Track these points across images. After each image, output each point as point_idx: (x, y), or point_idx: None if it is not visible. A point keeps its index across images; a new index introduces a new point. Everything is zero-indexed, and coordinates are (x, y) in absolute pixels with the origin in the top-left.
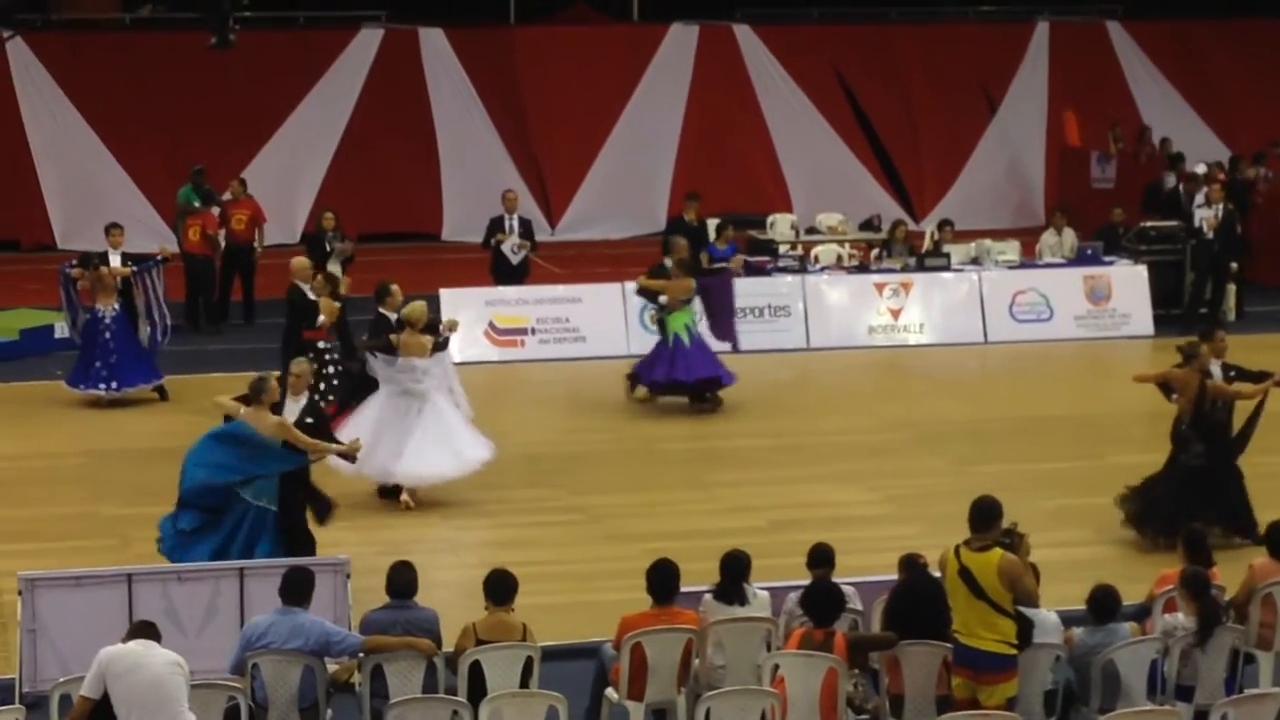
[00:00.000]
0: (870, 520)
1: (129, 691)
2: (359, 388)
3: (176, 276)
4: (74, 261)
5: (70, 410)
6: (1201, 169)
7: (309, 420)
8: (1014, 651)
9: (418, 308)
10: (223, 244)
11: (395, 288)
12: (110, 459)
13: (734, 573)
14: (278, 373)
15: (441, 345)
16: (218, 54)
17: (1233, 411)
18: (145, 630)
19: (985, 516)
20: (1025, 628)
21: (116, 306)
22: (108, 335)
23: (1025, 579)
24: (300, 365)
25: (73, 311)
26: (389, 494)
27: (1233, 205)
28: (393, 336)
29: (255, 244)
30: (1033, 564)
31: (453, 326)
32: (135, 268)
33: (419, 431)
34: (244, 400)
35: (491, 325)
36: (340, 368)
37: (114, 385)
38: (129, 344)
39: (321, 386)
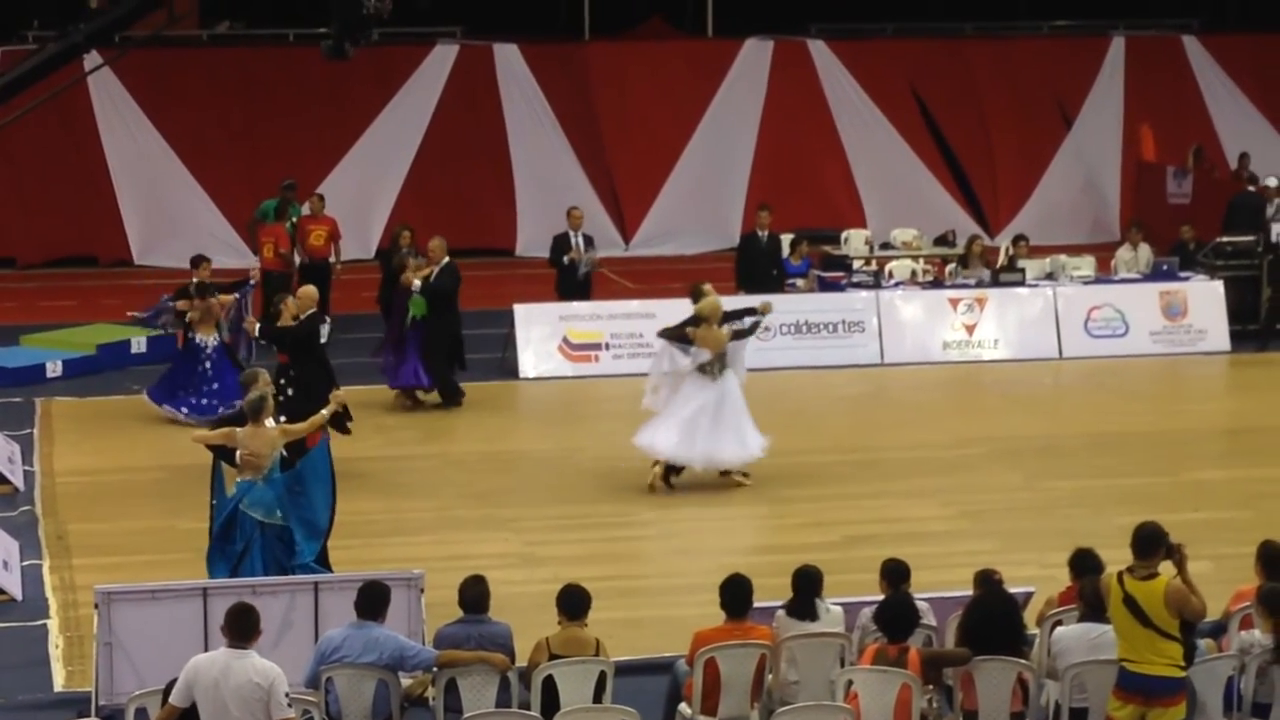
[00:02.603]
0: (945, 536)
1: (211, 705)
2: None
3: (254, 293)
4: (172, 296)
5: (146, 425)
6: (1273, 182)
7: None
8: (1184, 674)
9: (710, 303)
10: (298, 260)
11: (708, 287)
12: (186, 473)
13: (806, 588)
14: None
15: (748, 331)
16: (293, 71)
17: None
18: (239, 631)
19: (1150, 543)
20: (1190, 649)
21: (218, 336)
22: (208, 365)
23: (1192, 601)
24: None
25: (151, 323)
26: (673, 473)
27: None
28: (689, 330)
29: (332, 260)
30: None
31: (767, 309)
32: (238, 295)
33: (708, 416)
34: (234, 421)
35: (566, 340)
36: (292, 391)
37: (197, 414)
38: (229, 375)
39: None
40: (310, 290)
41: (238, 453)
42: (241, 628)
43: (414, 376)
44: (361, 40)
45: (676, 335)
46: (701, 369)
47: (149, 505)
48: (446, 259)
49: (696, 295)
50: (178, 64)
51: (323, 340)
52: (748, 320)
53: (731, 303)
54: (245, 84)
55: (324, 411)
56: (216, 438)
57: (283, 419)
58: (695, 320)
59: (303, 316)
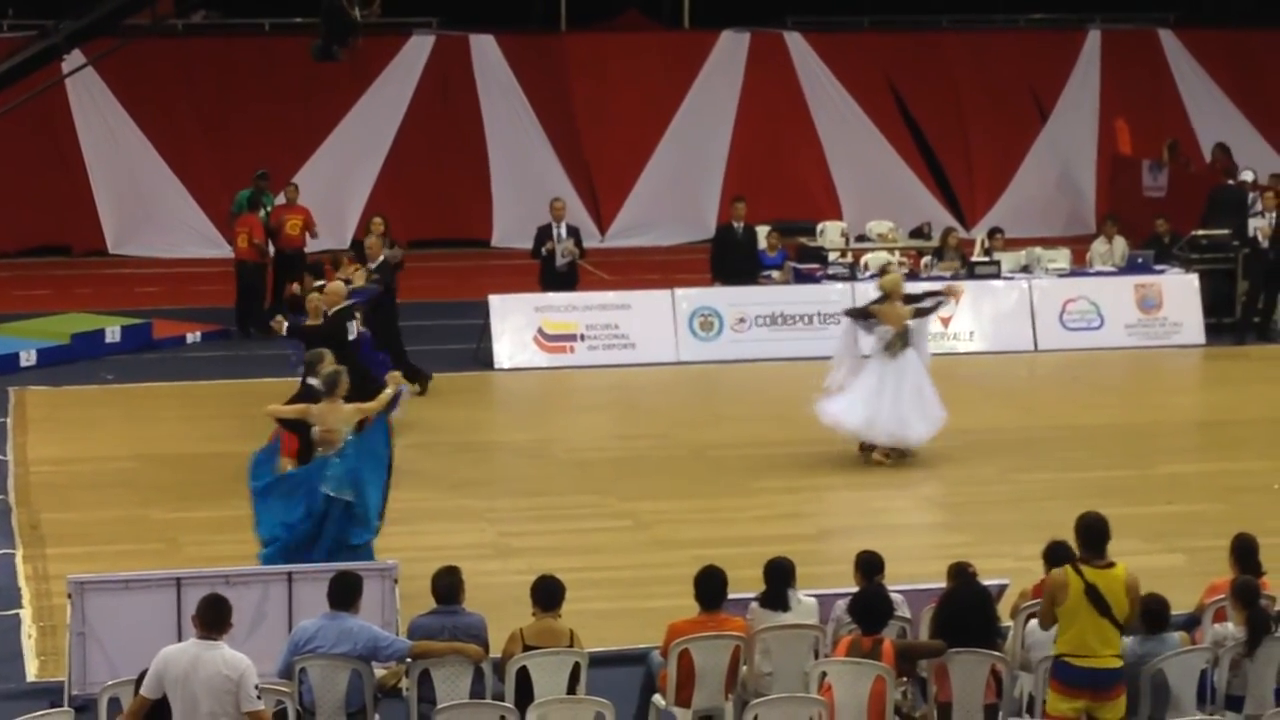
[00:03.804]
0: (920, 528)
1: (182, 697)
2: None
3: (228, 282)
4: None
5: (120, 414)
6: (1249, 175)
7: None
8: (1123, 665)
9: (893, 279)
10: (272, 250)
11: (891, 265)
12: (159, 463)
13: (778, 579)
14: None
15: (930, 309)
16: (269, 60)
17: None
18: (210, 622)
19: (1100, 535)
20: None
21: None
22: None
23: (1139, 596)
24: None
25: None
26: (868, 450)
27: None
28: (873, 306)
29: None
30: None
31: (952, 291)
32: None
33: (890, 393)
34: (308, 398)
35: (541, 331)
36: None
37: None
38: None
39: None
40: (338, 286)
41: (314, 429)
42: (213, 619)
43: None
44: (349, 42)
45: (861, 313)
46: (885, 347)
47: (123, 495)
48: (382, 257)
49: (881, 273)
50: (153, 53)
51: (351, 336)
52: (930, 300)
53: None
54: (221, 73)
55: (389, 391)
56: (292, 412)
57: None
58: (880, 298)
59: (330, 313)
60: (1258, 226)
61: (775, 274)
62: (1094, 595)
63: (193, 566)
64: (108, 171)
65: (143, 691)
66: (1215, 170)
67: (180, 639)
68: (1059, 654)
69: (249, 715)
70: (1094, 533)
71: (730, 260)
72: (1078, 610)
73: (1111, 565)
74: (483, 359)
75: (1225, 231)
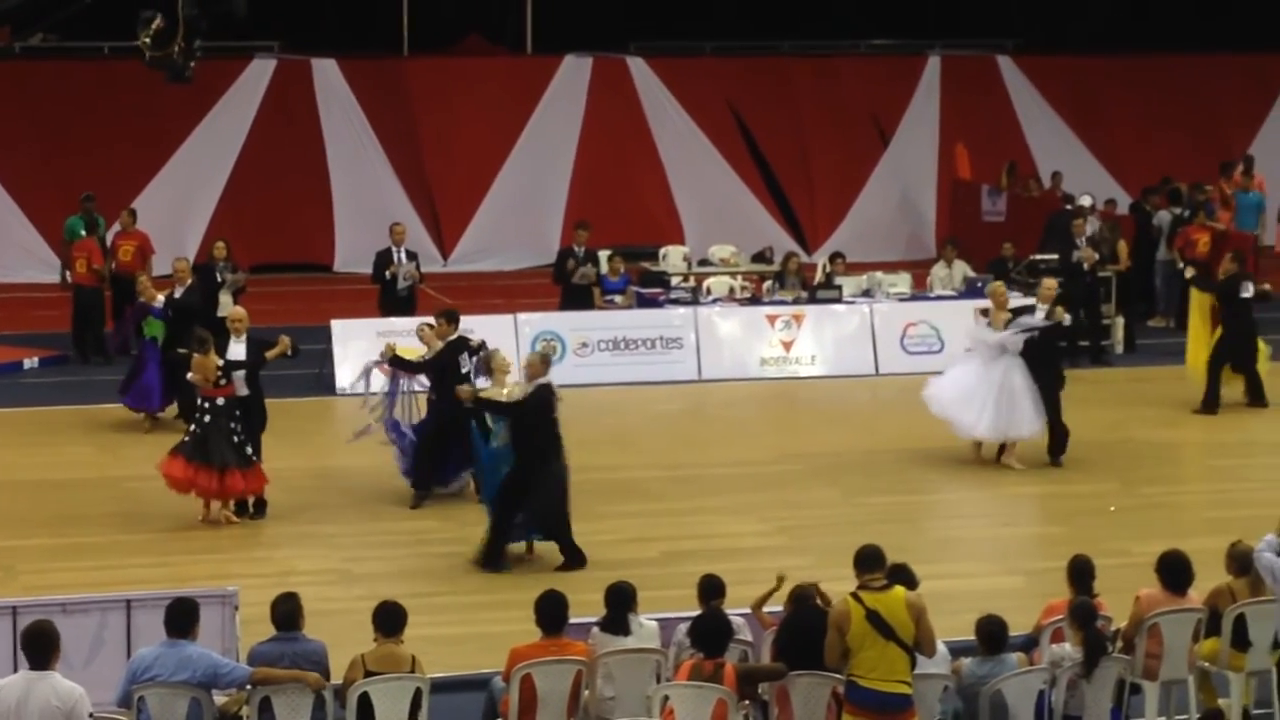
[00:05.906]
0: (762, 551)
1: None
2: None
3: (64, 307)
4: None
5: None
6: (1087, 200)
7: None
8: (912, 690)
9: (994, 288)
10: (108, 275)
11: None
12: None
13: (619, 604)
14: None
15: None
16: (109, 83)
17: None
18: (36, 652)
19: (876, 558)
20: (913, 662)
21: None
22: None
23: (927, 617)
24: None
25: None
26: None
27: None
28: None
29: (143, 275)
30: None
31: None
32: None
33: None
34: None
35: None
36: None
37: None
38: None
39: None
40: (240, 311)
41: None
42: (39, 648)
43: (143, 399)
44: (187, 73)
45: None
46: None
47: None
48: (191, 279)
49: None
50: None
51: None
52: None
53: None
54: (59, 96)
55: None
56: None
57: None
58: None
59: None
60: (1079, 252)
61: (618, 298)
62: (876, 620)
63: (29, 595)
64: None
65: None
66: (1054, 195)
67: (16, 669)
68: (849, 673)
69: None
70: (867, 560)
71: (572, 285)
72: (864, 636)
73: (888, 588)
74: (325, 384)
75: (1054, 256)
